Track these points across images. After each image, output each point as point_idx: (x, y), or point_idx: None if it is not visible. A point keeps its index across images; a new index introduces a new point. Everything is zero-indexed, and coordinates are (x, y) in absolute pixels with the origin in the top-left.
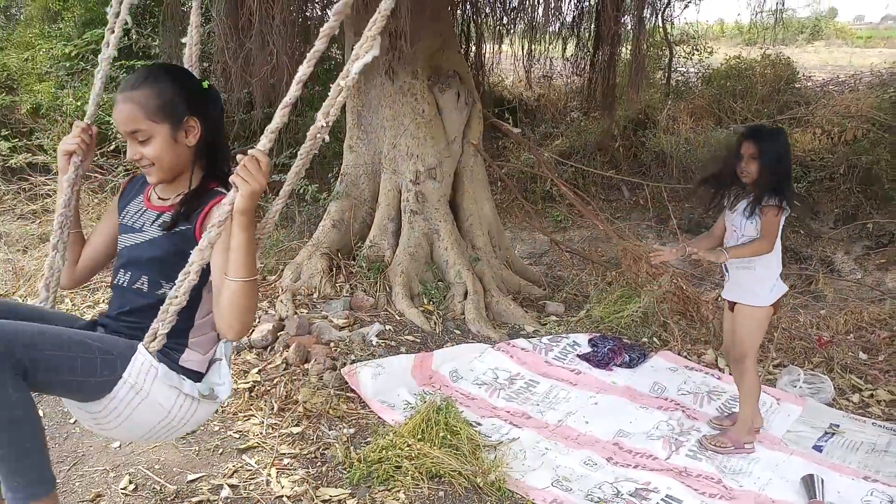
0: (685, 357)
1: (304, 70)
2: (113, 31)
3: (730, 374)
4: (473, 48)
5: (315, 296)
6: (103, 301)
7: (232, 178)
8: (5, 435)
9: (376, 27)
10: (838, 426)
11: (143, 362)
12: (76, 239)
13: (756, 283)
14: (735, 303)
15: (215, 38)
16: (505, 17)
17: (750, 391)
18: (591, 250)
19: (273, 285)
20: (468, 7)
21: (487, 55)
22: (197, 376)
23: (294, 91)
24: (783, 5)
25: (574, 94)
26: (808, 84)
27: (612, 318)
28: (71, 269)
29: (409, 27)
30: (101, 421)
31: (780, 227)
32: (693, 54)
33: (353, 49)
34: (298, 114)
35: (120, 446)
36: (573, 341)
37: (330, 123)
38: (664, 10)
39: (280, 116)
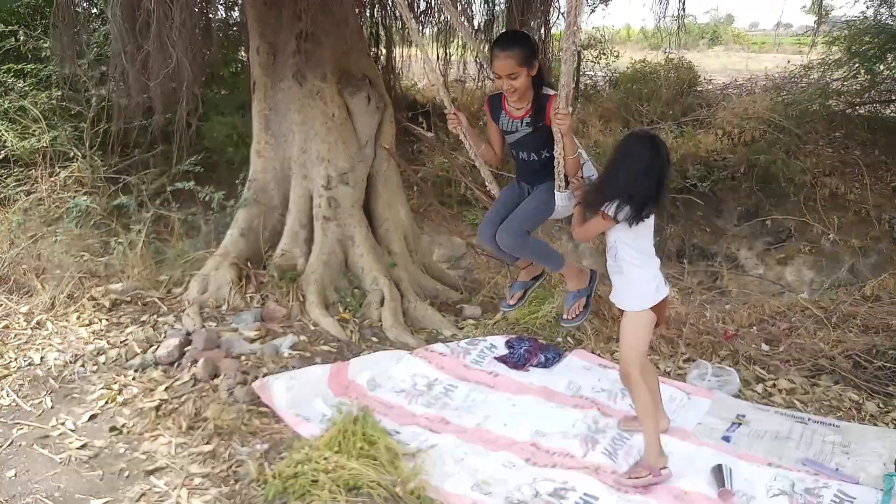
0: (599, 355)
1: None
2: None
3: None
4: (384, 51)
5: (224, 308)
6: None
7: (556, 126)
8: (539, 255)
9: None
10: (744, 416)
11: (560, 196)
12: (486, 148)
13: (627, 286)
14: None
15: (111, 41)
16: (416, 21)
17: (644, 408)
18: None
19: (178, 298)
20: (377, 10)
21: (398, 59)
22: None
23: None
24: (684, 11)
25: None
26: (710, 87)
27: (527, 319)
28: (495, 157)
29: (315, 29)
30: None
31: (638, 232)
32: (600, 58)
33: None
34: (202, 119)
35: (15, 474)
36: (490, 344)
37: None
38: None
39: (568, 72)
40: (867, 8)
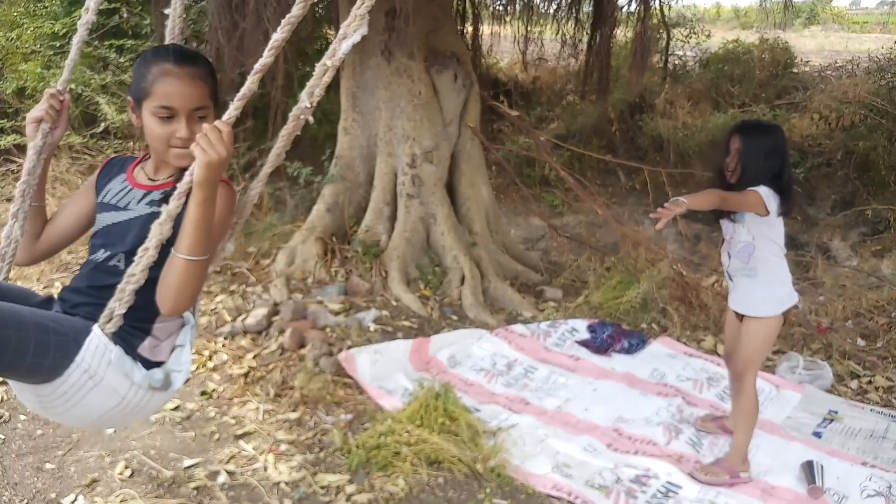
0: (684, 343)
1: (277, 37)
2: None
3: None
4: (470, 29)
5: (310, 280)
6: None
7: (191, 147)
8: None
9: (365, 6)
10: (837, 412)
11: (97, 345)
12: (38, 213)
13: (760, 289)
14: (741, 314)
15: (207, 17)
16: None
17: (746, 414)
18: (588, 236)
19: (266, 269)
20: None
21: (484, 36)
22: (156, 364)
23: (267, 58)
24: None
25: (570, 77)
26: (806, 69)
27: (610, 304)
28: (30, 244)
29: (406, 7)
30: (48, 405)
31: (778, 227)
32: (690, 37)
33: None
34: (292, 95)
35: (115, 432)
36: (571, 327)
37: (314, 104)
38: None
39: (250, 83)
40: None
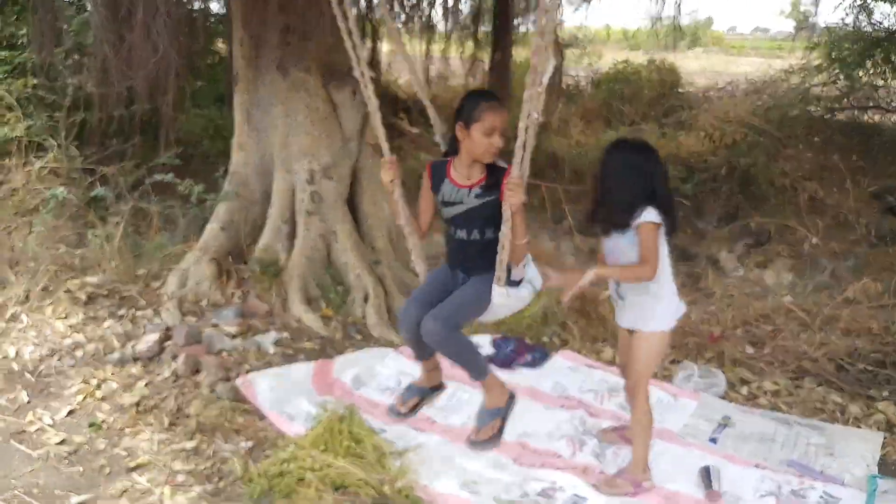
0: (585, 355)
1: None
2: None
3: None
4: (369, 46)
5: (204, 303)
6: None
7: (507, 200)
8: (463, 357)
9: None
10: (730, 418)
11: (498, 292)
12: (413, 220)
13: (654, 305)
14: (632, 330)
15: (92, 29)
16: (402, 15)
17: (642, 425)
18: None
19: (157, 292)
20: (363, 4)
21: (383, 54)
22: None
23: None
24: (680, 14)
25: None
26: (691, 89)
27: (513, 319)
28: (420, 231)
29: (300, 22)
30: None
31: (663, 244)
32: (582, 58)
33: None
34: (182, 111)
35: None
36: (476, 343)
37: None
38: (558, 9)
39: (528, 141)
40: (847, 14)
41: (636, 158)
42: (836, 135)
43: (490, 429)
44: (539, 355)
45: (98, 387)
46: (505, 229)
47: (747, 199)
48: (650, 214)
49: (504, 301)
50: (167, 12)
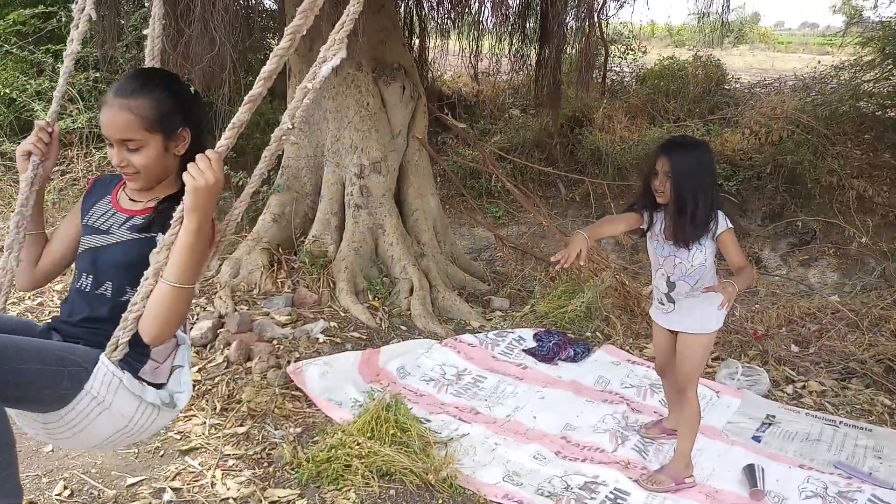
0: (627, 351)
1: (267, 68)
2: (77, 27)
3: None
4: (417, 42)
5: (255, 292)
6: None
7: (183, 176)
8: None
9: (344, 30)
10: (774, 417)
11: (105, 373)
12: (36, 240)
13: (705, 307)
14: (678, 332)
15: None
16: (452, 12)
17: (690, 423)
18: (532, 246)
19: (210, 281)
20: (411, 1)
21: (430, 49)
22: (157, 386)
23: (256, 88)
24: (728, 9)
25: (513, 91)
26: (737, 86)
27: (556, 313)
28: (30, 271)
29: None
30: (53, 431)
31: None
32: (627, 54)
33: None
34: (237, 105)
35: (52, 450)
36: (519, 336)
37: (296, 125)
38: (600, 10)
39: (243, 112)
40: None
41: (706, 159)
42: (887, 132)
43: None
44: (581, 349)
45: None
46: (160, 244)
47: (792, 198)
48: (724, 221)
49: (135, 422)
50: (224, 7)
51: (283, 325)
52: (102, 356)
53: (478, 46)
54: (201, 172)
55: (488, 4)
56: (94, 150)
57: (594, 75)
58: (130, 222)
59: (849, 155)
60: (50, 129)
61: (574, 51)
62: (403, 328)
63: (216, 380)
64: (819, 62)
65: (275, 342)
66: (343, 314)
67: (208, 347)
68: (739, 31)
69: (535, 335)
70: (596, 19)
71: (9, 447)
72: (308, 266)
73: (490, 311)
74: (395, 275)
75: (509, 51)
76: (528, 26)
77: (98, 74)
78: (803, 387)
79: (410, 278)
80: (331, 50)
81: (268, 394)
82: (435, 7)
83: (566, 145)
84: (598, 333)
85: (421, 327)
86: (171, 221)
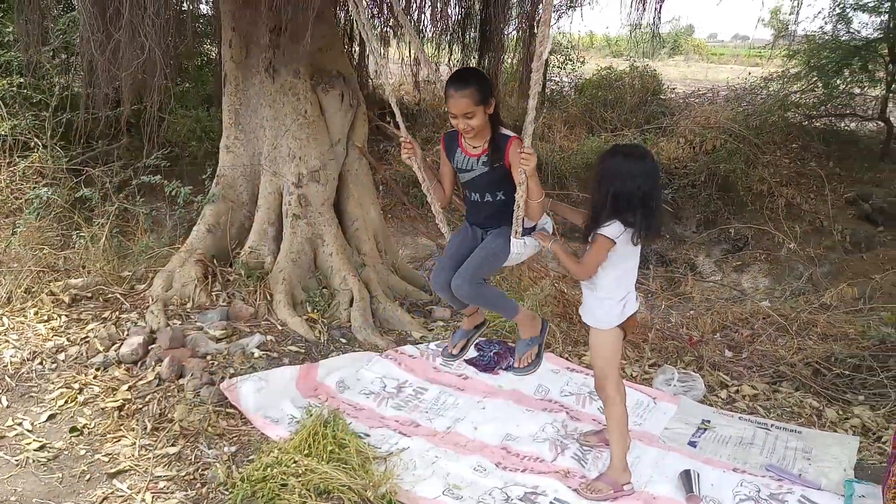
0: (566, 359)
1: None
2: None
3: None
4: (357, 49)
5: (189, 306)
6: None
7: (520, 166)
8: (494, 304)
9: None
10: (709, 421)
11: (515, 242)
12: (437, 186)
13: (597, 303)
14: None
15: (80, 28)
16: (391, 20)
17: (616, 424)
18: None
19: (142, 295)
20: (351, 7)
21: (369, 57)
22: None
23: None
24: (660, 20)
25: None
26: (672, 96)
27: (496, 322)
28: (444, 195)
29: (292, 24)
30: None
31: (623, 251)
32: (566, 64)
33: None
34: (169, 111)
35: None
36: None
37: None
38: (539, 20)
39: (531, 112)
40: (825, 23)
41: (621, 166)
42: (813, 141)
43: (528, 356)
44: None
45: (80, 391)
46: (520, 191)
47: (726, 205)
48: (610, 229)
49: (521, 250)
50: (155, 12)
51: (218, 340)
52: (512, 238)
53: (417, 54)
54: (527, 161)
55: (427, 13)
56: (18, 159)
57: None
58: (481, 160)
59: (778, 163)
60: (407, 139)
61: (513, 60)
62: (343, 341)
63: (147, 398)
64: (750, 73)
65: (208, 358)
66: (280, 327)
67: (139, 364)
68: (675, 43)
69: (476, 345)
70: (536, 30)
71: (500, 295)
72: (244, 278)
73: (432, 322)
74: (334, 286)
75: (450, 60)
76: (468, 36)
77: (22, 80)
78: (737, 391)
79: (350, 289)
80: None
81: (201, 412)
82: (375, 15)
83: None
84: None
85: (361, 339)
86: (501, 155)
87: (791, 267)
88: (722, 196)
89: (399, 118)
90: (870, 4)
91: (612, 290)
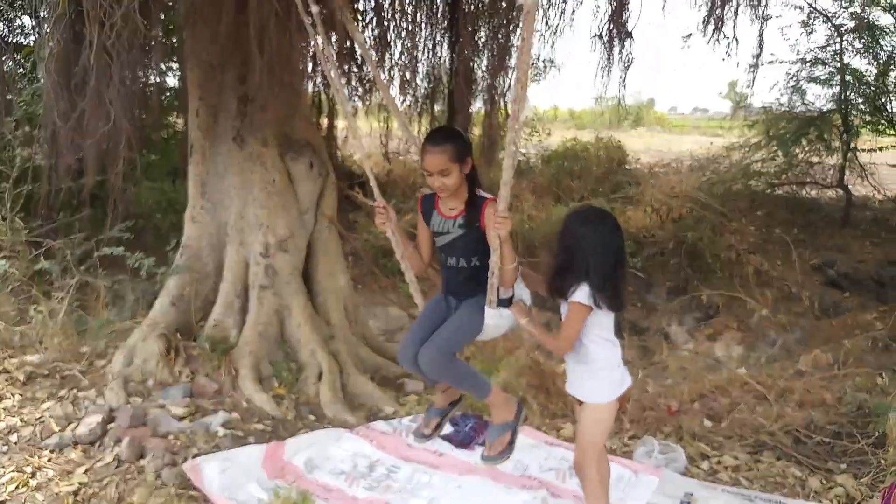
0: (544, 432)
1: None
2: None
3: None
4: (326, 120)
5: (150, 382)
6: None
7: (494, 230)
8: (464, 381)
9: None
10: (692, 494)
11: (490, 313)
12: (414, 252)
13: (593, 375)
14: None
15: (44, 97)
16: (359, 89)
17: (595, 500)
18: None
19: (101, 371)
20: (320, 79)
21: (338, 129)
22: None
23: None
24: (625, 92)
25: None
26: (637, 166)
27: (471, 397)
28: (421, 262)
29: (259, 93)
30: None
31: (602, 317)
32: (532, 135)
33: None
34: (134, 183)
35: None
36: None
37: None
38: (504, 93)
39: (507, 173)
40: (781, 95)
41: (583, 230)
42: (777, 209)
43: (500, 443)
44: None
45: (33, 475)
46: (494, 257)
47: (695, 272)
48: (581, 294)
49: (497, 321)
50: (121, 80)
51: (181, 419)
52: (487, 308)
53: (387, 126)
54: (502, 226)
55: (396, 85)
56: None
57: (501, 155)
58: (457, 223)
59: (744, 231)
60: (382, 204)
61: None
62: (311, 417)
63: (104, 481)
64: (712, 143)
65: (171, 437)
66: (246, 404)
67: (96, 445)
68: (637, 115)
69: (452, 420)
70: (501, 103)
71: (470, 372)
72: (208, 352)
73: (404, 395)
74: (302, 359)
75: (419, 131)
76: (435, 108)
77: None
78: (718, 462)
79: (319, 362)
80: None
81: (162, 494)
82: (343, 86)
83: None
84: None
85: (330, 416)
86: (477, 217)
87: (763, 334)
88: (691, 263)
89: (374, 183)
90: (821, 77)
91: (608, 358)
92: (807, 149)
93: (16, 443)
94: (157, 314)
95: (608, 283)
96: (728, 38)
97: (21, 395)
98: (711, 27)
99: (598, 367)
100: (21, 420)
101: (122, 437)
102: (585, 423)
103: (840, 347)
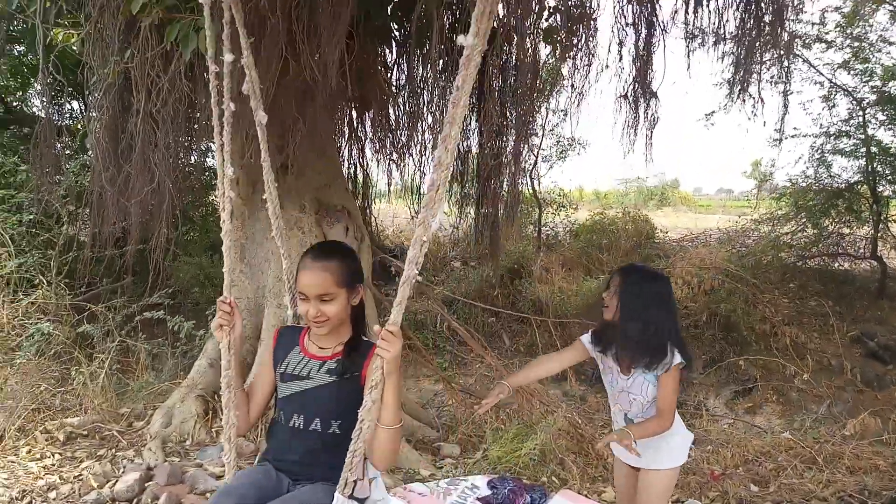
0: (585, 496)
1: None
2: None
3: None
4: (360, 188)
5: (188, 442)
6: None
7: (377, 352)
8: None
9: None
10: None
11: (342, 502)
12: (242, 395)
13: (667, 442)
14: (640, 468)
15: (91, 160)
16: (393, 169)
17: None
18: (482, 390)
19: (140, 432)
20: (355, 148)
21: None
22: (364, 500)
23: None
24: (647, 177)
25: (454, 244)
26: (666, 240)
27: (509, 458)
28: (245, 418)
29: (296, 161)
30: None
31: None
32: (560, 210)
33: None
34: (173, 258)
35: None
36: (472, 484)
37: (418, 271)
38: (531, 171)
39: (403, 292)
40: (807, 167)
41: (658, 288)
42: (810, 281)
43: None
44: (539, 496)
45: None
46: (368, 401)
47: (730, 345)
48: (678, 359)
49: None
50: (165, 144)
51: (218, 477)
52: (337, 494)
53: (417, 206)
54: (390, 345)
55: (427, 171)
56: (21, 296)
57: (531, 230)
58: (325, 367)
59: (778, 303)
60: (228, 301)
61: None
62: None
63: None
64: (740, 216)
65: (208, 495)
66: None
67: (134, 502)
68: (662, 195)
69: (489, 482)
70: (528, 180)
71: None
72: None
73: (440, 459)
74: None
75: (450, 209)
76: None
77: (31, 217)
78: None
79: None
80: (434, 207)
81: None
82: (376, 162)
83: (507, 295)
84: (553, 478)
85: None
86: (359, 366)
87: (803, 407)
88: (725, 336)
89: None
90: (846, 150)
91: (678, 422)
92: (836, 220)
93: (55, 499)
94: (196, 375)
95: (683, 345)
96: (750, 114)
97: (61, 454)
98: (737, 92)
99: (674, 431)
100: (60, 478)
101: (160, 494)
102: (652, 489)
103: (888, 419)
